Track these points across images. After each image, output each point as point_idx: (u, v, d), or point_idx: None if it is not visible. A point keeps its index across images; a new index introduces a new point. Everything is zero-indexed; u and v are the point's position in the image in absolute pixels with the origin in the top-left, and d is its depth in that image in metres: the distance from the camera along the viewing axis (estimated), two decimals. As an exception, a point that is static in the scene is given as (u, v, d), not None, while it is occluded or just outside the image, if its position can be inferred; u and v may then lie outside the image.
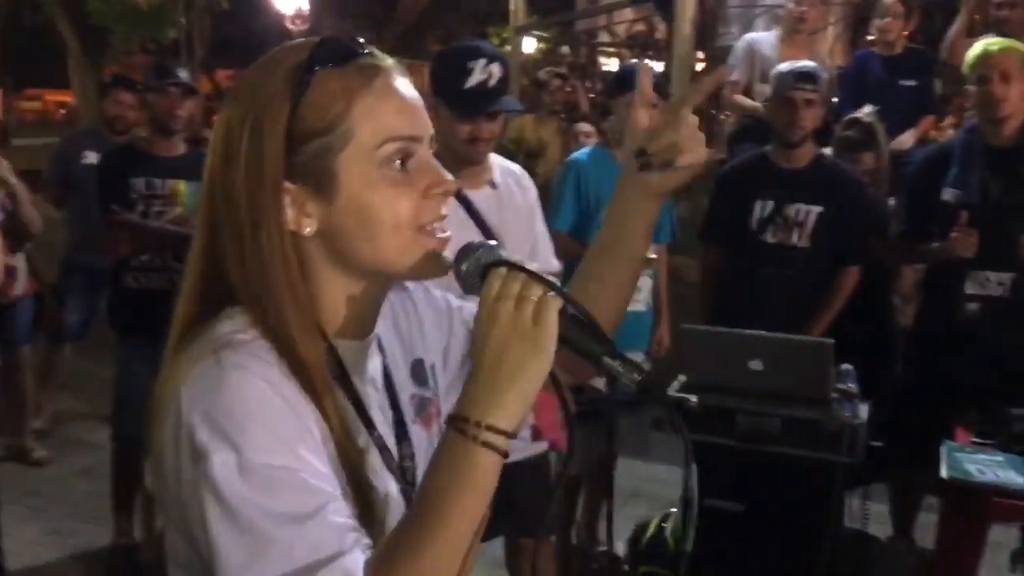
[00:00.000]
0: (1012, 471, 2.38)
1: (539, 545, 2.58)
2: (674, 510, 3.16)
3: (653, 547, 3.22)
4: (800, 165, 3.18)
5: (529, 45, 12.78)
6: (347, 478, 0.86)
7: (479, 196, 2.26)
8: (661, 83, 3.40)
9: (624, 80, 3.30)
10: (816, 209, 3.13)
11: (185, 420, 0.80)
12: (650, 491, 4.07)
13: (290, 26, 14.83)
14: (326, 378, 0.88)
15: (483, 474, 0.81)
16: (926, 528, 3.31)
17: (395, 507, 0.93)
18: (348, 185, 0.87)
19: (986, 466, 2.40)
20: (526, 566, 2.57)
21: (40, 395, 4.64)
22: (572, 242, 3.08)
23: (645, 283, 3.24)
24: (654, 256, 3.14)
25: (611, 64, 11.90)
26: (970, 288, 2.96)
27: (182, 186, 3.30)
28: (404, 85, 0.91)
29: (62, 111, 30.69)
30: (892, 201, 3.80)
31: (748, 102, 4.81)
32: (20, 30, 16.92)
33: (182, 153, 3.37)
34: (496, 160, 2.42)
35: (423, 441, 1.03)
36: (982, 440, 2.59)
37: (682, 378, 2.87)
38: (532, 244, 2.48)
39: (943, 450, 2.48)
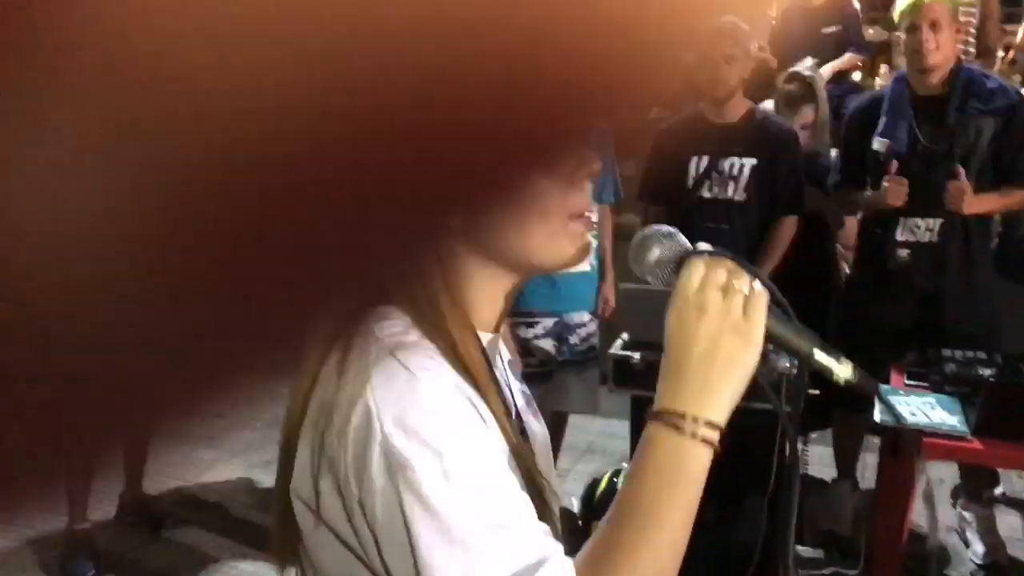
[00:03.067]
0: (943, 411, 2.46)
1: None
2: (625, 464, 3.20)
3: (606, 501, 3.29)
4: (732, 120, 3.21)
5: None
6: (521, 475, 0.82)
7: None
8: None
9: None
10: (750, 162, 3.17)
11: (376, 427, 0.74)
12: (602, 446, 4.14)
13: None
14: (487, 377, 0.84)
15: (699, 471, 0.79)
16: (871, 469, 3.41)
17: (554, 501, 0.91)
18: None
19: (918, 408, 2.47)
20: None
21: None
22: None
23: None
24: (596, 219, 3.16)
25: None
26: (901, 235, 3.01)
27: None
28: None
29: None
30: (835, 152, 3.85)
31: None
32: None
33: None
34: None
35: (539, 434, 1.00)
36: (916, 383, 2.66)
37: (625, 336, 2.91)
38: None
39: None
